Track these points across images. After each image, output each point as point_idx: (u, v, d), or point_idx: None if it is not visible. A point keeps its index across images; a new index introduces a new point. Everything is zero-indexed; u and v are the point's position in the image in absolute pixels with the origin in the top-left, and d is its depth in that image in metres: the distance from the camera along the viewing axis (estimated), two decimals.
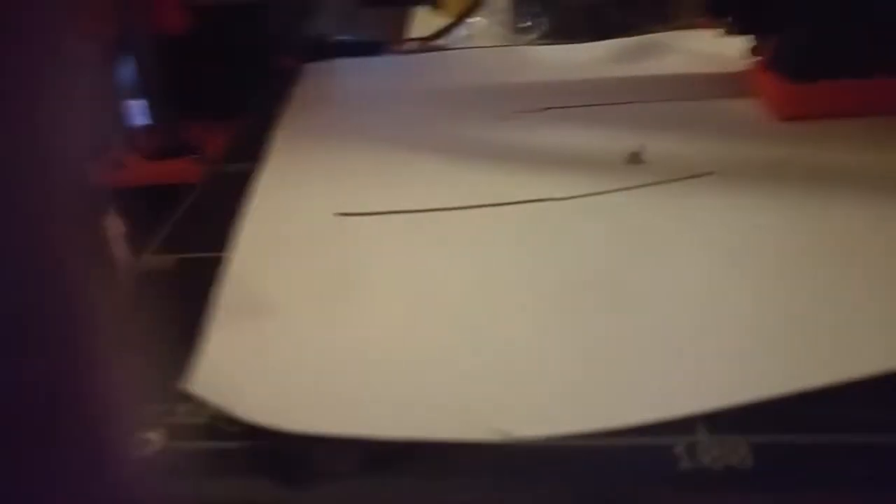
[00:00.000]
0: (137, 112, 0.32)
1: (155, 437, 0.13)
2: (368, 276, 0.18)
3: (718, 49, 0.34)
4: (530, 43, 0.53)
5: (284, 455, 0.13)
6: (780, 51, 0.26)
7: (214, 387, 0.14)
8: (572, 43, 0.43)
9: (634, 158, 0.23)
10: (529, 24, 0.53)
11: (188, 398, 0.14)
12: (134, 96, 0.33)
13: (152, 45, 0.28)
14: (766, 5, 0.25)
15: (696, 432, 0.12)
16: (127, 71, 0.32)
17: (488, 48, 0.38)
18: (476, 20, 0.56)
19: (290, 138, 0.27)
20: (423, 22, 0.55)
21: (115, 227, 0.33)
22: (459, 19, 0.53)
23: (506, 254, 0.19)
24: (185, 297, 0.18)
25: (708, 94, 0.29)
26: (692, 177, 0.22)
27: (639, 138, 0.24)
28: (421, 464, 0.13)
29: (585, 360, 0.15)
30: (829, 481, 0.12)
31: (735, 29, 0.26)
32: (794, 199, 0.20)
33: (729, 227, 0.19)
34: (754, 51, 0.28)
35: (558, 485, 0.12)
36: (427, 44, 0.47)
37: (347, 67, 0.37)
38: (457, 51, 0.37)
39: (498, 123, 0.27)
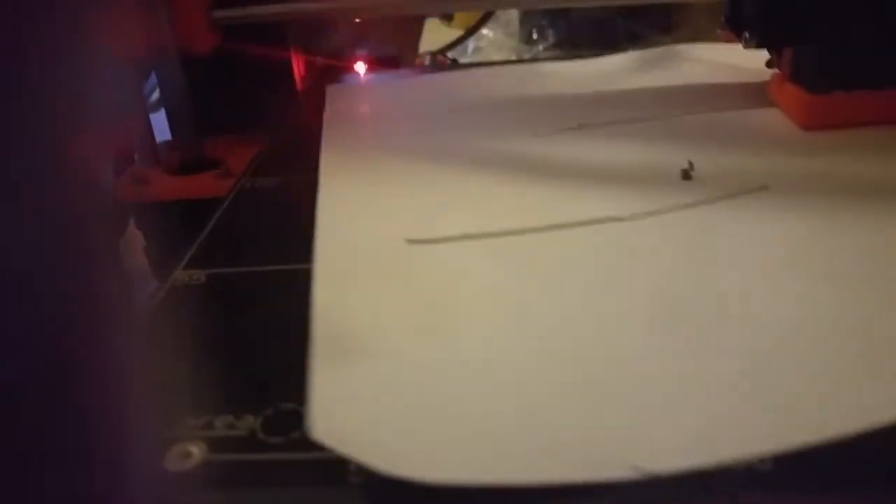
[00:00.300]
0: (161, 127, 0.33)
1: (195, 450, 0.13)
2: (459, 305, 0.18)
3: (736, 59, 0.35)
4: (539, 53, 0.54)
5: (323, 466, 0.13)
6: (798, 63, 0.27)
7: (337, 434, 0.13)
8: (580, 52, 0.44)
9: (685, 175, 0.23)
10: (537, 35, 0.54)
11: (227, 411, 0.14)
12: (158, 112, 0.33)
13: (179, 64, 0.29)
14: (783, 19, 0.26)
15: None
16: (152, 87, 0.33)
17: (510, 65, 0.38)
18: (485, 32, 0.57)
19: (337, 161, 0.26)
20: (434, 35, 0.56)
21: (136, 240, 0.33)
22: (469, 32, 0.54)
23: (589, 276, 0.19)
24: (216, 312, 0.18)
25: (734, 106, 0.29)
26: (747, 192, 0.22)
27: (678, 152, 0.24)
28: None
29: (709, 384, 0.15)
30: (843, 483, 0.12)
31: (752, 42, 0.27)
32: (849, 213, 0.21)
33: (802, 244, 0.19)
34: (770, 63, 0.29)
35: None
36: (440, 56, 0.48)
37: (375, 85, 0.37)
38: (480, 68, 0.38)
39: (536, 140, 0.27)
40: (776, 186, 0.22)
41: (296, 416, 0.14)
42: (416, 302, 0.18)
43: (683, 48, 0.38)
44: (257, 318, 0.18)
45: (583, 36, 0.53)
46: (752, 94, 0.30)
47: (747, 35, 0.27)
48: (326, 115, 0.31)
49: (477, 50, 0.56)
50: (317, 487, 0.13)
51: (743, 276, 0.18)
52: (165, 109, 0.32)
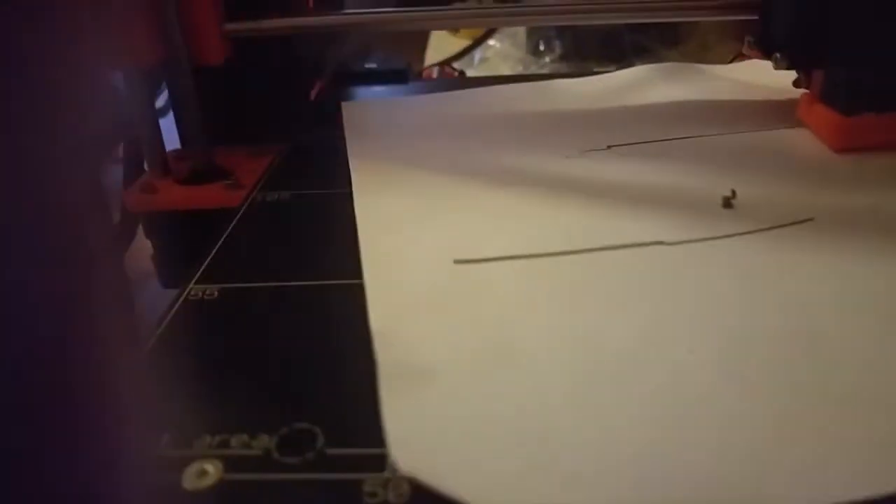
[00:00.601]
0: (171, 137, 0.33)
1: (211, 469, 0.14)
2: (516, 329, 0.18)
3: (754, 75, 0.35)
4: (546, 65, 0.54)
5: (337, 487, 0.13)
6: (829, 84, 0.27)
7: (418, 463, 0.14)
8: (587, 64, 0.44)
9: (727, 203, 0.23)
10: (544, 47, 0.54)
11: (242, 430, 0.14)
12: (164, 117, 0.34)
13: (190, 74, 0.29)
14: (814, 42, 0.26)
15: None
16: (163, 96, 0.33)
17: (528, 81, 0.38)
18: (492, 43, 0.57)
19: (368, 179, 0.26)
20: (441, 44, 0.56)
21: (144, 248, 0.34)
22: (476, 42, 0.55)
23: (642, 302, 0.18)
24: (229, 329, 0.18)
25: (762, 125, 0.29)
26: (793, 223, 0.22)
27: (713, 175, 0.24)
28: None
29: (786, 426, 0.14)
30: None
31: (783, 64, 0.27)
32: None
33: (859, 280, 0.19)
34: (797, 83, 0.29)
35: None
36: (447, 67, 0.48)
37: (393, 102, 0.37)
38: (498, 85, 0.37)
39: (566, 162, 0.27)
40: (821, 218, 0.22)
41: (310, 436, 0.14)
42: (473, 326, 0.18)
43: (703, 65, 0.38)
44: (272, 336, 0.18)
45: (589, 48, 0.53)
46: (779, 113, 0.30)
47: (778, 57, 0.27)
48: (348, 133, 0.31)
49: (483, 60, 0.56)
50: None
51: (809, 314, 0.17)
52: (176, 119, 0.32)
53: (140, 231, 0.33)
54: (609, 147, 0.28)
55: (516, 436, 0.14)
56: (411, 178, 0.26)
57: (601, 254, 0.20)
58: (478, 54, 0.56)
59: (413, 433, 0.14)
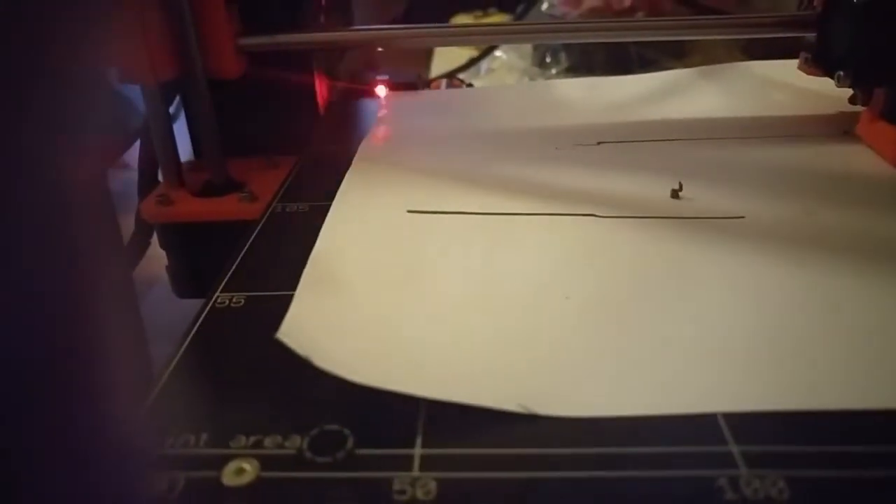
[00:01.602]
0: (186, 149, 0.34)
1: (248, 468, 0.14)
2: (432, 263, 0.21)
3: (794, 79, 0.35)
4: (551, 77, 0.54)
5: (368, 485, 0.14)
6: (893, 102, 0.27)
7: (298, 340, 0.16)
8: (592, 76, 0.44)
9: (674, 194, 0.25)
10: (550, 59, 0.55)
11: (275, 431, 0.15)
12: (180, 132, 0.34)
13: (207, 88, 0.29)
14: (877, 59, 0.26)
15: (739, 467, 0.14)
16: (179, 110, 0.34)
17: (547, 83, 0.40)
18: (498, 54, 0.58)
19: (367, 156, 0.30)
20: (447, 56, 0.57)
21: (158, 258, 0.34)
22: (483, 54, 0.55)
23: (549, 256, 0.22)
24: (256, 333, 0.19)
25: (818, 139, 0.30)
26: (725, 218, 0.24)
27: (673, 173, 0.26)
28: None
29: (617, 352, 0.17)
30: None
31: (846, 82, 0.27)
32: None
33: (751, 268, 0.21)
34: (853, 100, 0.29)
35: None
36: (455, 80, 0.49)
37: (405, 102, 0.39)
38: (517, 87, 0.40)
39: (555, 152, 0.30)
40: (751, 217, 0.23)
41: (340, 437, 0.15)
42: (399, 258, 0.22)
43: (749, 65, 0.38)
44: None
45: (595, 60, 0.53)
46: (830, 125, 0.31)
47: (841, 75, 0.27)
48: (372, 125, 0.35)
49: (490, 72, 0.57)
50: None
51: (673, 279, 0.20)
52: (191, 132, 0.33)
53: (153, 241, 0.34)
54: (599, 143, 0.31)
55: (393, 335, 0.18)
56: (406, 161, 0.30)
57: (539, 218, 0.24)
58: (484, 65, 0.57)
59: (308, 321, 0.18)
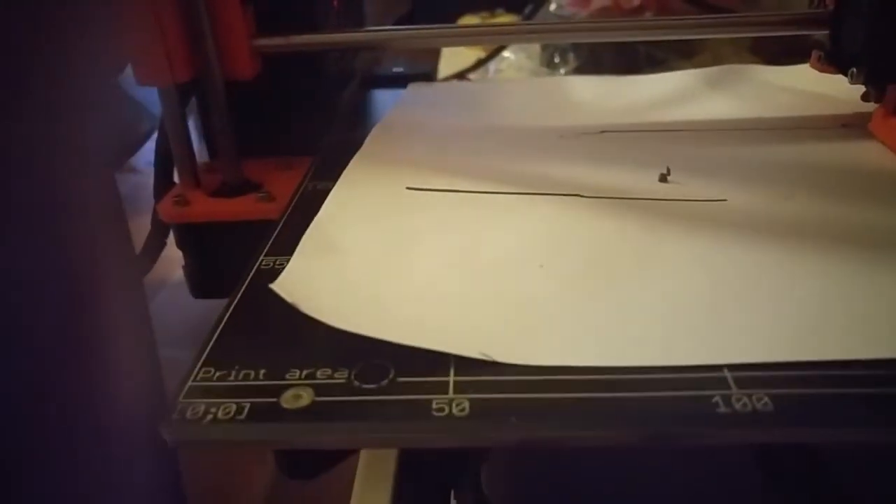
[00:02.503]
0: (203, 150, 0.34)
1: (304, 394, 0.16)
2: (421, 233, 0.23)
3: (804, 82, 0.36)
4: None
5: (411, 405, 0.16)
6: None
7: (289, 290, 0.19)
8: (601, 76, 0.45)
9: (662, 178, 0.26)
10: (559, 59, 0.55)
11: (325, 365, 0.17)
12: (199, 134, 0.34)
13: (223, 89, 0.29)
14: (891, 56, 0.26)
15: (730, 388, 0.16)
16: (194, 110, 0.34)
17: (568, 78, 0.42)
18: (506, 55, 0.58)
19: (377, 142, 0.32)
20: (455, 56, 0.57)
21: (175, 257, 0.34)
22: (491, 54, 0.55)
23: (530, 231, 0.23)
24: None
25: (828, 137, 0.30)
26: (707, 201, 0.25)
27: (668, 161, 0.27)
28: None
29: (579, 310, 0.19)
30: (832, 419, 0.15)
31: (860, 79, 0.27)
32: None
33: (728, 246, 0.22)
34: (866, 97, 0.29)
35: (614, 422, 0.15)
36: (463, 78, 0.49)
37: (419, 92, 0.41)
38: (528, 81, 0.42)
39: (558, 140, 0.31)
40: (733, 200, 0.24)
41: (383, 369, 0.17)
42: (390, 227, 0.24)
43: (751, 68, 0.39)
44: None
45: (604, 60, 0.53)
46: (841, 122, 0.31)
47: (854, 72, 0.27)
48: (388, 112, 0.36)
49: (498, 72, 0.57)
50: (406, 420, 0.16)
51: (663, 253, 0.21)
52: (206, 133, 0.33)
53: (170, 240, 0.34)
54: (602, 132, 0.32)
55: (374, 291, 0.20)
56: (413, 145, 0.32)
57: (528, 197, 0.25)
58: (492, 66, 0.57)
59: (301, 276, 0.20)
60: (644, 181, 0.26)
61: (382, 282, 0.21)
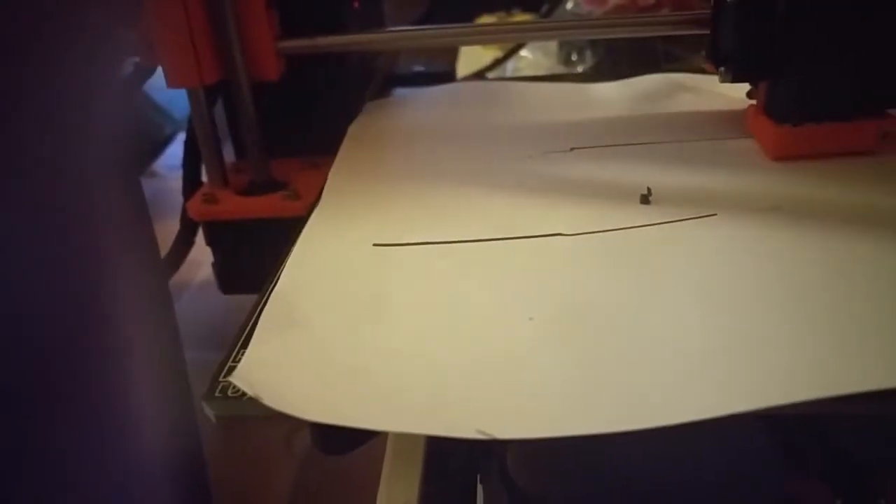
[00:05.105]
0: (230, 149, 0.35)
1: None
2: (394, 298, 0.21)
3: (728, 90, 0.35)
4: (577, 75, 0.55)
5: None
6: (771, 95, 0.28)
7: (249, 382, 0.17)
8: (619, 73, 0.45)
9: (644, 199, 0.25)
10: (576, 57, 0.55)
11: None
12: (226, 134, 0.35)
13: (250, 90, 0.30)
14: (756, 56, 0.27)
15: None
16: (221, 111, 0.35)
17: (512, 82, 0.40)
18: (524, 54, 0.58)
19: (344, 172, 0.30)
20: (473, 55, 0.57)
21: (204, 255, 0.35)
22: (508, 54, 0.56)
23: (513, 281, 0.21)
24: None
25: (714, 135, 0.30)
26: (697, 217, 0.24)
27: (649, 178, 0.26)
28: None
29: (575, 372, 0.17)
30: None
31: (728, 77, 0.28)
32: (790, 237, 0.22)
33: (724, 263, 0.21)
34: (750, 94, 0.30)
35: None
36: (482, 78, 0.49)
37: (372, 115, 0.38)
38: (489, 82, 0.40)
39: (527, 161, 0.30)
40: (725, 213, 0.24)
41: None
42: (360, 292, 0.21)
43: (682, 77, 0.39)
44: None
45: (622, 57, 0.54)
46: (732, 124, 0.31)
47: (723, 70, 0.28)
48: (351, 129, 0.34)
49: (516, 71, 0.58)
50: None
51: (656, 287, 0.20)
52: (232, 133, 0.34)
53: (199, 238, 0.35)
54: (571, 149, 0.30)
55: (353, 371, 0.18)
56: (376, 178, 0.29)
57: (506, 243, 0.23)
58: (510, 65, 0.57)
59: (264, 363, 0.18)
60: (626, 206, 0.25)
61: (359, 357, 0.19)
